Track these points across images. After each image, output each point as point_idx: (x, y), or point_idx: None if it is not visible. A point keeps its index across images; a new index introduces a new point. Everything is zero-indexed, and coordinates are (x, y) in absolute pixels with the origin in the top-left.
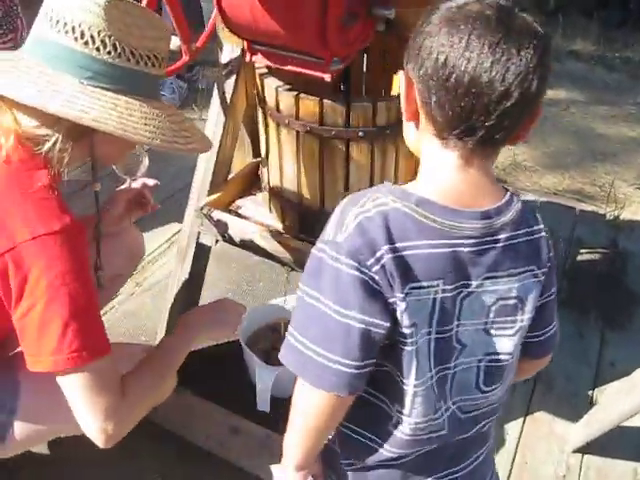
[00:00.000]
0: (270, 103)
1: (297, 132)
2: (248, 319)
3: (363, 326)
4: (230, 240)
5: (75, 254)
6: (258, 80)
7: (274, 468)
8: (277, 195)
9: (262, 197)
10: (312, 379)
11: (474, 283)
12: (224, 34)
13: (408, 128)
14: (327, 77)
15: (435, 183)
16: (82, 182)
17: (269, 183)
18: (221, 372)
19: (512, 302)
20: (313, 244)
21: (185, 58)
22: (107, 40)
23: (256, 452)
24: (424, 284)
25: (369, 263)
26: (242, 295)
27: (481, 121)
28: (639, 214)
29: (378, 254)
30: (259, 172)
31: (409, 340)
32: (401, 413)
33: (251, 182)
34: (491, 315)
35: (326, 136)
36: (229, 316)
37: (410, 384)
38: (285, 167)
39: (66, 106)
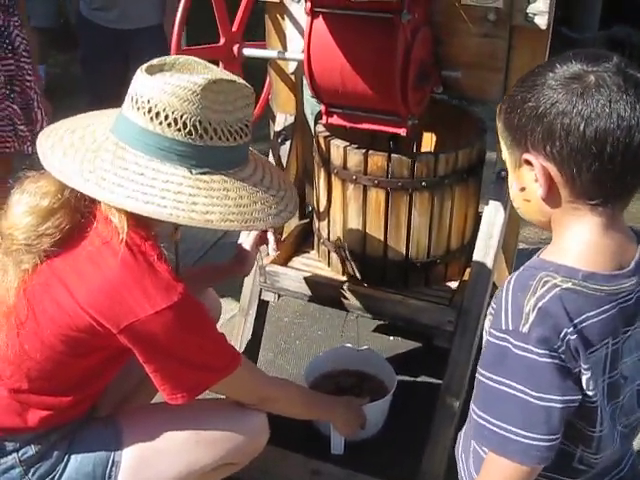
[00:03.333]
0: (336, 162)
1: (364, 186)
2: (308, 369)
3: (564, 405)
4: (290, 295)
5: (192, 313)
6: (323, 142)
7: None
8: (339, 249)
9: (316, 254)
10: (519, 458)
11: (632, 327)
12: (277, 104)
13: (532, 205)
14: (403, 132)
15: (588, 251)
16: None
17: (329, 238)
18: (285, 422)
19: None
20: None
21: None
22: (208, 127)
23: None
24: (598, 346)
25: (557, 346)
26: (282, 353)
27: (629, 181)
28: None
29: (562, 335)
30: (315, 229)
31: (594, 398)
32: (587, 452)
33: (301, 242)
34: None
35: (393, 187)
36: (357, 420)
37: (597, 430)
38: (350, 221)
39: (191, 211)
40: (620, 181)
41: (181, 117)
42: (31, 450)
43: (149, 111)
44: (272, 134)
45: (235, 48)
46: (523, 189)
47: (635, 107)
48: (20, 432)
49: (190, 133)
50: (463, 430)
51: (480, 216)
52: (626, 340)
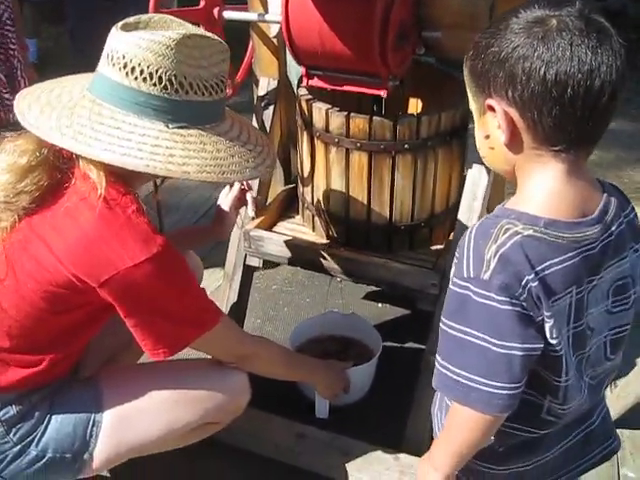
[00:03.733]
0: (318, 125)
1: (347, 149)
2: (294, 334)
3: (525, 353)
4: (274, 259)
5: (173, 266)
6: (305, 105)
7: (421, 466)
8: (323, 212)
9: (301, 219)
10: (481, 406)
11: (597, 277)
12: (260, 68)
13: (496, 152)
14: (383, 93)
15: (551, 199)
16: None
17: (313, 202)
18: (269, 385)
19: (624, 281)
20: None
21: (229, 92)
22: (183, 81)
23: (326, 454)
24: (562, 294)
25: (518, 293)
26: (270, 320)
27: (592, 125)
28: None
29: (524, 283)
30: (299, 194)
31: (558, 347)
32: (554, 403)
33: (286, 207)
34: (610, 297)
35: (375, 150)
36: (339, 383)
37: (562, 380)
38: (333, 184)
39: (168, 162)
40: (581, 126)
41: (156, 71)
42: (12, 410)
43: (124, 66)
44: (255, 98)
45: (215, 11)
46: (487, 137)
47: (597, 51)
48: (1, 392)
49: (165, 87)
50: None
51: (465, 179)
52: (591, 290)
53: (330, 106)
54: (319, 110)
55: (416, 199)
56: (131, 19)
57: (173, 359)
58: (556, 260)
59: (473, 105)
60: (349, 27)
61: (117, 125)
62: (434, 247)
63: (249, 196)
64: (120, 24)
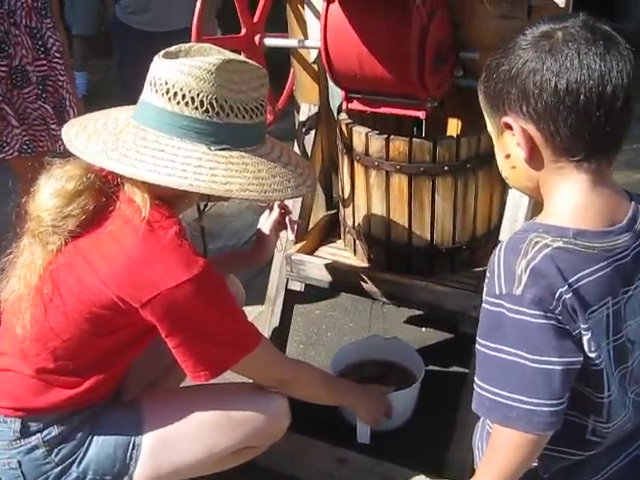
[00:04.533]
0: (358, 149)
1: (387, 172)
2: (336, 358)
3: (563, 367)
4: (317, 283)
5: (213, 287)
6: (345, 130)
7: None
8: (364, 236)
9: (342, 243)
10: (523, 425)
11: (632, 287)
12: (301, 94)
13: (518, 171)
14: (422, 115)
15: (577, 210)
16: None
17: (354, 226)
18: (310, 410)
19: None
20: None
21: (270, 118)
22: (224, 104)
23: (367, 479)
24: (597, 306)
25: (552, 307)
26: (313, 345)
27: (609, 132)
28: None
29: (557, 295)
30: (341, 218)
31: (598, 361)
32: (598, 422)
33: (328, 232)
34: None
35: (415, 173)
36: (380, 407)
37: (605, 396)
38: (373, 208)
39: (211, 181)
40: (598, 132)
41: (198, 95)
42: (54, 431)
43: (167, 92)
44: (297, 125)
45: (257, 38)
46: (508, 156)
47: (605, 57)
48: (44, 413)
49: (207, 111)
50: (480, 420)
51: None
52: (628, 301)
53: (370, 130)
54: (359, 134)
55: (457, 221)
56: (172, 48)
57: (214, 382)
58: (588, 271)
59: (491, 128)
60: (387, 50)
61: (161, 148)
62: (476, 269)
63: (288, 220)
64: (162, 53)
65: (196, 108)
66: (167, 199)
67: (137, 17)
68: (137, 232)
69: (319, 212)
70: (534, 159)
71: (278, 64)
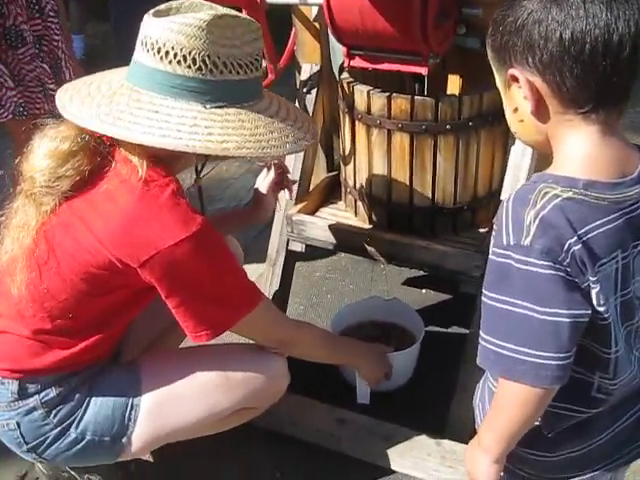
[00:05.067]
0: (360, 107)
1: (388, 131)
2: (335, 319)
3: (571, 319)
4: (317, 244)
5: (212, 245)
6: (347, 88)
7: (469, 452)
8: (365, 196)
9: (343, 204)
10: (530, 379)
11: None
12: (303, 53)
13: (527, 124)
14: (424, 71)
15: (587, 160)
16: None
17: (355, 186)
18: (309, 371)
19: None
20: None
21: (271, 77)
22: (217, 60)
23: (367, 440)
24: (607, 259)
25: (561, 258)
26: (313, 307)
27: (616, 82)
28: None
29: (566, 247)
30: (342, 179)
31: (606, 315)
32: (604, 378)
33: (329, 193)
34: None
35: (417, 131)
36: (381, 367)
37: (612, 352)
38: (375, 167)
39: (207, 140)
40: (605, 83)
41: (190, 53)
42: (52, 392)
43: (158, 51)
44: (298, 84)
45: None
46: (516, 110)
47: (611, 5)
48: (42, 374)
49: (200, 68)
50: (481, 380)
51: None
52: (637, 255)
53: (372, 88)
54: (361, 92)
55: (458, 182)
56: (162, 6)
57: (213, 343)
58: (598, 222)
59: (498, 81)
60: (390, 4)
61: (155, 109)
62: (478, 230)
63: (286, 179)
64: (152, 11)
65: (189, 66)
66: (164, 159)
67: None
68: (134, 191)
69: (320, 173)
70: (541, 111)
71: (280, 22)
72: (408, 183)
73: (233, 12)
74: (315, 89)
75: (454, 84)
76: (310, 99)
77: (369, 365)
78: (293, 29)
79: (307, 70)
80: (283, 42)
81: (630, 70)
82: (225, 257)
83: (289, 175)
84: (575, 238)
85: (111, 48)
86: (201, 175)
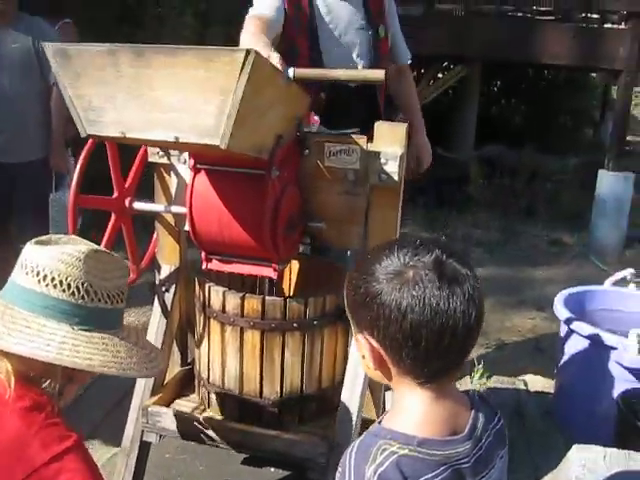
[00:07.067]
0: (215, 306)
1: (241, 328)
2: None
3: None
4: (172, 434)
5: (87, 459)
6: (203, 288)
7: None
8: (218, 389)
9: (196, 397)
10: None
11: None
12: (163, 255)
13: (371, 372)
14: (274, 275)
15: (422, 419)
16: None
17: (208, 380)
18: None
19: None
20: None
21: (133, 276)
22: (89, 289)
23: None
24: None
25: None
26: None
27: (450, 360)
28: None
29: None
30: (196, 372)
31: None
32: None
33: (183, 386)
34: None
35: (267, 329)
36: None
37: None
38: (228, 362)
39: (74, 356)
40: (440, 364)
41: (66, 279)
42: None
43: (37, 274)
44: (157, 283)
45: (127, 201)
46: (363, 357)
47: (449, 301)
48: None
49: (73, 294)
50: None
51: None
52: None
53: (227, 288)
54: (216, 292)
55: (305, 374)
56: (44, 237)
57: None
58: (430, 475)
59: (352, 327)
60: (245, 218)
61: (28, 325)
62: (323, 419)
63: None
64: (33, 240)
65: (63, 290)
66: (34, 378)
67: None
68: (9, 413)
69: (174, 368)
70: (384, 371)
71: (144, 225)
72: (259, 376)
73: (106, 250)
74: (173, 288)
75: (301, 284)
76: (168, 297)
77: None
78: (155, 232)
79: (166, 270)
80: (145, 244)
81: (463, 352)
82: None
83: None
84: None
85: None
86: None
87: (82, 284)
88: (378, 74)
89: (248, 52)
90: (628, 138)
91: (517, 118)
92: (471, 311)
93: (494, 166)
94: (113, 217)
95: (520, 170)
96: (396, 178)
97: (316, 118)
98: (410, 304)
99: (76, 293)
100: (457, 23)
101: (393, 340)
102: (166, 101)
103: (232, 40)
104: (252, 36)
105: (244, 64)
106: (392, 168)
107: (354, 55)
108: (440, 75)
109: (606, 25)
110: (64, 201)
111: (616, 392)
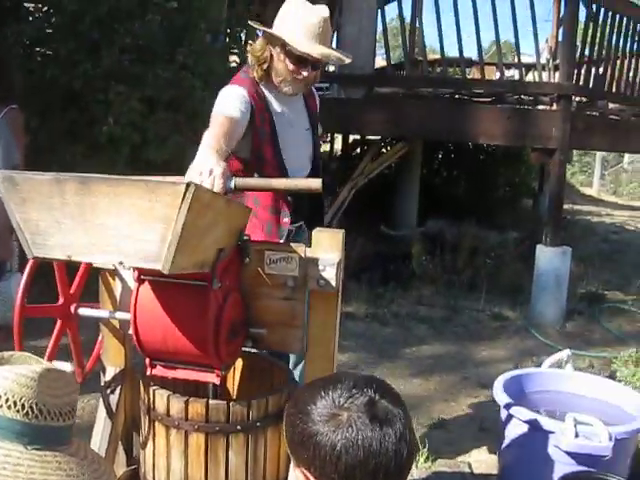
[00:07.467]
0: (160, 409)
1: (186, 431)
2: None
3: None
4: None
5: None
6: (148, 392)
7: None
8: None
9: None
10: None
11: None
12: (108, 358)
13: None
14: (217, 380)
15: None
16: None
17: None
18: None
19: None
20: None
21: (78, 380)
22: (42, 408)
23: None
24: None
25: None
26: None
27: None
28: None
29: None
30: (141, 474)
31: None
32: None
33: None
34: None
35: (211, 431)
36: None
37: None
38: (172, 464)
39: (29, 479)
40: None
41: (20, 399)
42: None
43: None
44: (102, 385)
45: (72, 307)
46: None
47: (381, 442)
48: None
49: (27, 414)
50: None
51: None
52: None
53: (171, 392)
54: (161, 396)
55: (249, 476)
56: None
57: None
58: None
59: (291, 457)
60: (188, 325)
61: None
62: None
63: None
64: None
65: (17, 411)
66: None
67: None
68: None
69: (120, 469)
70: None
71: (89, 328)
72: (204, 478)
73: (58, 369)
74: (118, 389)
75: (245, 387)
76: (113, 399)
77: None
78: (100, 335)
79: (111, 372)
80: (90, 346)
81: None
82: None
83: None
84: None
85: None
86: None
87: (35, 404)
88: (316, 185)
89: (188, 185)
90: (565, 207)
91: (459, 190)
92: (402, 451)
93: (435, 242)
94: (59, 323)
95: (461, 245)
96: (334, 284)
97: (286, 220)
98: (345, 445)
99: (30, 413)
100: (396, 105)
101: (329, 478)
102: (111, 228)
103: (178, 125)
104: (212, 140)
105: (184, 196)
106: (330, 275)
107: (306, 157)
108: (384, 150)
109: (539, 107)
110: (8, 292)
111: (556, 476)
